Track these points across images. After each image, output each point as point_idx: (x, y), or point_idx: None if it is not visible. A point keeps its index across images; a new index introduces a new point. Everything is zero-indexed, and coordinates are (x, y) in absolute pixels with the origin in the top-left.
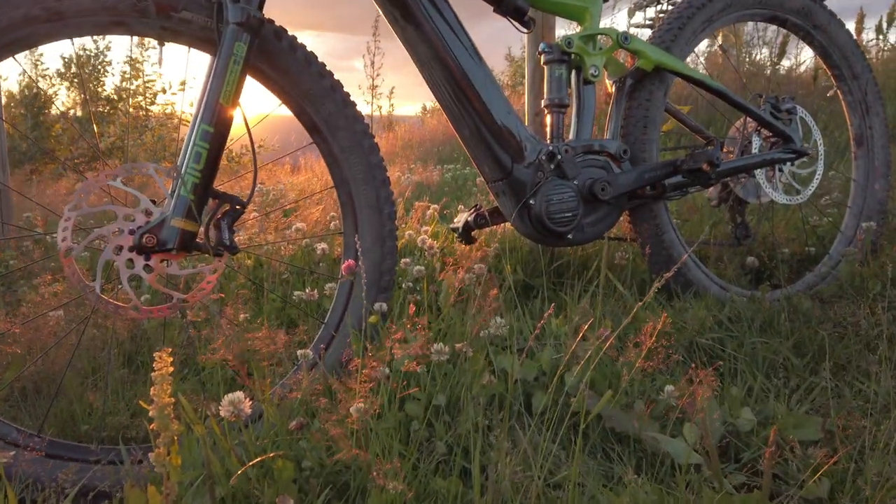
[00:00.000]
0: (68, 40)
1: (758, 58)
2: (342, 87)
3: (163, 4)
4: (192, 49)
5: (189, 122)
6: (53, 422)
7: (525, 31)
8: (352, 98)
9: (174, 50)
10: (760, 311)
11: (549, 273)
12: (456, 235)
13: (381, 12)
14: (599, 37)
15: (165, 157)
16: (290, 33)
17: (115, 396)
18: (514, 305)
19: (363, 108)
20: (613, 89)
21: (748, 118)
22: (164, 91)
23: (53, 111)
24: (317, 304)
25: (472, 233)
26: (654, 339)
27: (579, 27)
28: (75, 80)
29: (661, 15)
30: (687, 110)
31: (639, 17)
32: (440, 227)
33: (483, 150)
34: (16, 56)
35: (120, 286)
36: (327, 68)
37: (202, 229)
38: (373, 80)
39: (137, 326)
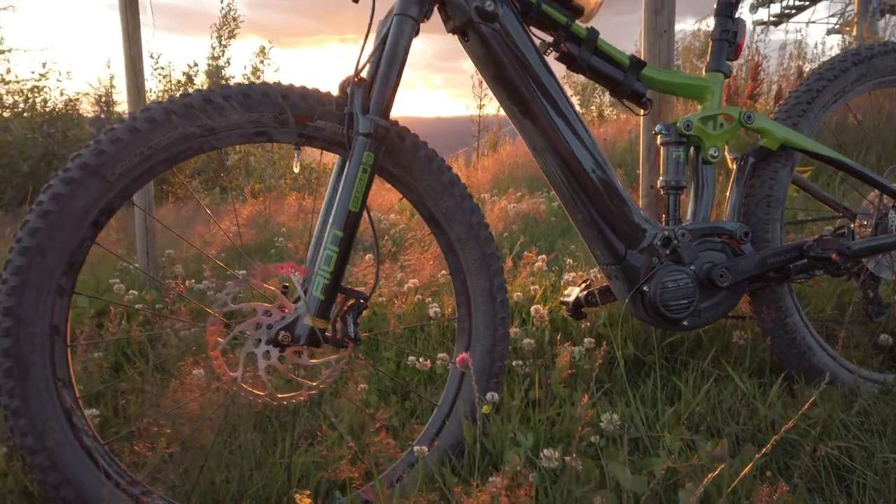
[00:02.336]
0: (216, 151)
1: None
2: (459, 180)
3: (300, 115)
4: (324, 151)
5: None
6: (196, 490)
7: (643, 112)
8: (468, 191)
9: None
10: (893, 415)
11: (661, 348)
12: (566, 309)
13: (499, 104)
14: (720, 116)
15: (285, 176)
16: (411, 133)
17: (249, 461)
18: (625, 383)
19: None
20: (734, 166)
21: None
22: None
23: None
24: (429, 373)
25: (582, 309)
26: None
27: (699, 106)
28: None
29: (787, 11)
30: (807, 174)
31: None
32: (547, 282)
33: (595, 235)
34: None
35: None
36: (446, 164)
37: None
38: (480, 99)
39: None
